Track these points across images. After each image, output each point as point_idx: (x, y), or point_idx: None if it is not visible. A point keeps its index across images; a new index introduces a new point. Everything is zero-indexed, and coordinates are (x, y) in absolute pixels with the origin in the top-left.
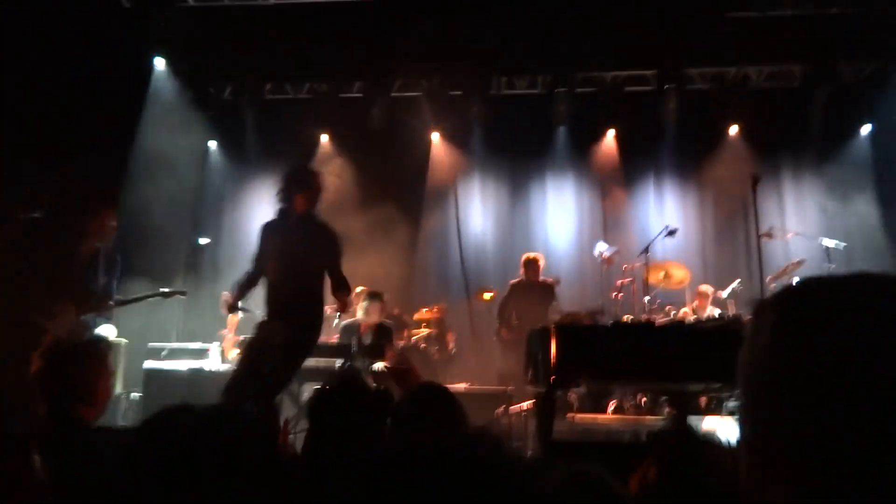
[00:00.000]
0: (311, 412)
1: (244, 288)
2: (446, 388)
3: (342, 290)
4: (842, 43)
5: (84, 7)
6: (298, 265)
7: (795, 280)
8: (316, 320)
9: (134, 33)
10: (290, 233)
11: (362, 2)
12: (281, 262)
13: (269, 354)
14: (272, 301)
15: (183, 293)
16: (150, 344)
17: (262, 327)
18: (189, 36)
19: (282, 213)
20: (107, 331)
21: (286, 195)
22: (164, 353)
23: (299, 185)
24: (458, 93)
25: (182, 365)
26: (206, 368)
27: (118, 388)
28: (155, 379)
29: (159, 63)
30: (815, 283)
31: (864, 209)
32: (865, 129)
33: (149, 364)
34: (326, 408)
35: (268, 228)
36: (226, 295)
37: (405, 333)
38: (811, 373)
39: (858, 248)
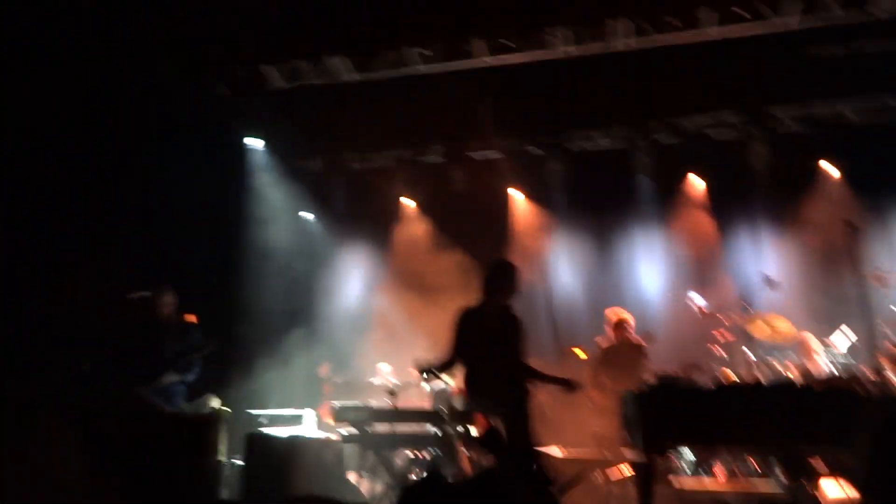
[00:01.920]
0: None
1: (442, 368)
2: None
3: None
4: None
5: (182, 96)
6: (497, 352)
7: None
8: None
9: (228, 117)
10: (490, 321)
11: (432, 76)
12: (481, 348)
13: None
14: (470, 382)
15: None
16: (249, 411)
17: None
18: (281, 116)
19: (484, 303)
20: (213, 402)
21: (493, 287)
22: (263, 419)
23: (507, 281)
24: (537, 149)
25: (281, 431)
26: (304, 434)
27: (222, 457)
28: (257, 445)
29: (255, 142)
30: None
31: None
32: None
33: (251, 430)
34: None
35: (468, 316)
36: (324, 368)
37: None
38: None
39: None
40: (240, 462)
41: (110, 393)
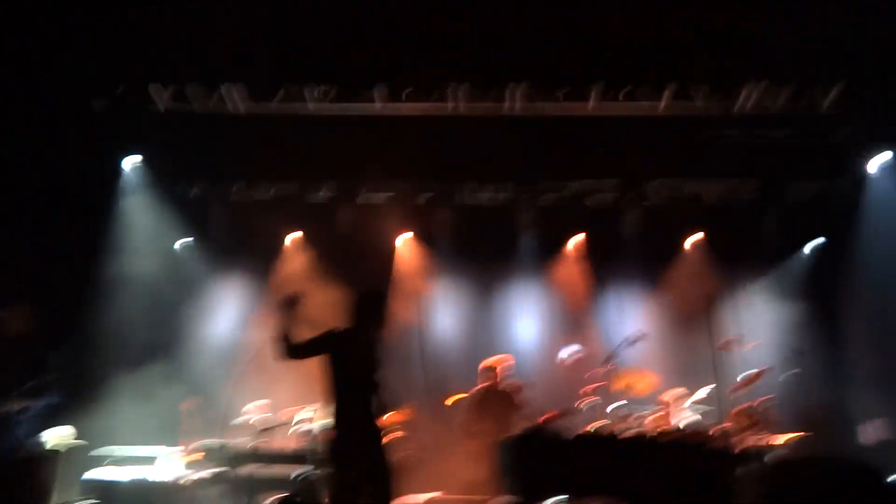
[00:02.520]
0: None
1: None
2: None
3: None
4: (789, 165)
5: (54, 110)
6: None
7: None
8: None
9: (103, 135)
10: (358, 351)
11: (326, 116)
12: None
13: None
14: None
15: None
16: (92, 453)
17: None
18: (159, 138)
19: (352, 331)
20: (64, 433)
21: (362, 316)
22: (107, 460)
23: (377, 311)
24: (428, 195)
25: (127, 474)
26: (152, 478)
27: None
28: (94, 491)
29: (129, 162)
30: (791, 465)
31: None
32: (810, 245)
33: (88, 475)
34: None
35: (335, 342)
36: (189, 403)
37: None
38: None
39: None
40: None
41: None
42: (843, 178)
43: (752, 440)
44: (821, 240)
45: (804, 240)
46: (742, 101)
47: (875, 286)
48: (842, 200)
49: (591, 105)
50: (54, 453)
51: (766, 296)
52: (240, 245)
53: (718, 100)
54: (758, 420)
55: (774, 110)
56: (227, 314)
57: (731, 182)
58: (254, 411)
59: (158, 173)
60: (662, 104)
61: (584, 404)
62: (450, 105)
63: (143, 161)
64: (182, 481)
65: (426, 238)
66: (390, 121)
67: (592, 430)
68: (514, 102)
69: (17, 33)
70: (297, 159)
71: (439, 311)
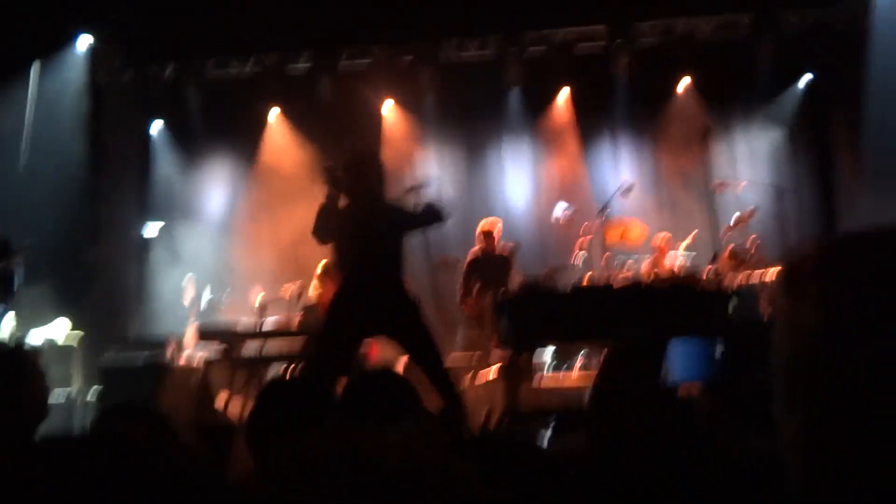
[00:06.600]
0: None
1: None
2: (397, 374)
3: None
4: None
5: None
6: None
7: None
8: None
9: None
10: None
11: None
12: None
13: None
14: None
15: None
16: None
17: None
18: (121, 12)
19: (356, 199)
20: (61, 325)
21: (360, 180)
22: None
23: (374, 171)
24: (409, 58)
25: (139, 359)
26: (163, 361)
27: (73, 389)
28: (113, 376)
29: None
30: (863, 240)
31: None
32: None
33: (102, 362)
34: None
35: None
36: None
37: None
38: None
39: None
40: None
41: None
42: (840, 5)
43: (744, 278)
44: (809, 76)
45: (798, 74)
46: None
47: (873, 124)
48: (839, 30)
49: None
50: (67, 348)
51: (757, 134)
52: (221, 125)
53: None
54: (748, 259)
55: None
56: (216, 195)
57: (725, 18)
58: (256, 290)
59: (126, 53)
60: None
61: (578, 259)
62: None
63: (103, 43)
64: (195, 363)
65: (411, 103)
66: None
67: (588, 282)
68: None
69: None
70: (274, 29)
71: (431, 176)
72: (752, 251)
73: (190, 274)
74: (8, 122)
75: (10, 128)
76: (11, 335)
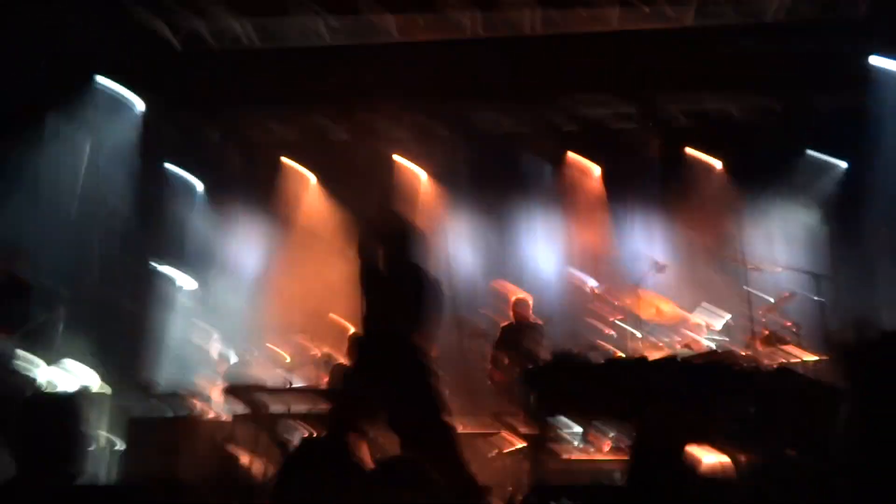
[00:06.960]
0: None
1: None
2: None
3: None
4: (815, 76)
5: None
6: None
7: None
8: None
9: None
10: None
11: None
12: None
13: None
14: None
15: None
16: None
17: None
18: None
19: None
20: (89, 379)
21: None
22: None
23: (405, 235)
24: (444, 130)
25: (168, 410)
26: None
27: (102, 437)
28: (141, 426)
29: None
30: None
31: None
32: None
33: (135, 413)
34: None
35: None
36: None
37: None
38: None
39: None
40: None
41: None
42: (872, 87)
43: (783, 358)
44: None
45: (830, 155)
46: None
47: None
48: (873, 112)
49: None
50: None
51: (792, 217)
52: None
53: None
54: (785, 343)
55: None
56: (249, 252)
57: (758, 99)
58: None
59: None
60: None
61: (608, 330)
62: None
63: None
64: (222, 417)
65: (445, 172)
66: (401, 48)
67: (622, 356)
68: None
69: None
70: (309, 95)
71: (462, 245)
72: (789, 336)
73: (216, 331)
74: (59, 172)
75: (60, 177)
76: (49, 382)
